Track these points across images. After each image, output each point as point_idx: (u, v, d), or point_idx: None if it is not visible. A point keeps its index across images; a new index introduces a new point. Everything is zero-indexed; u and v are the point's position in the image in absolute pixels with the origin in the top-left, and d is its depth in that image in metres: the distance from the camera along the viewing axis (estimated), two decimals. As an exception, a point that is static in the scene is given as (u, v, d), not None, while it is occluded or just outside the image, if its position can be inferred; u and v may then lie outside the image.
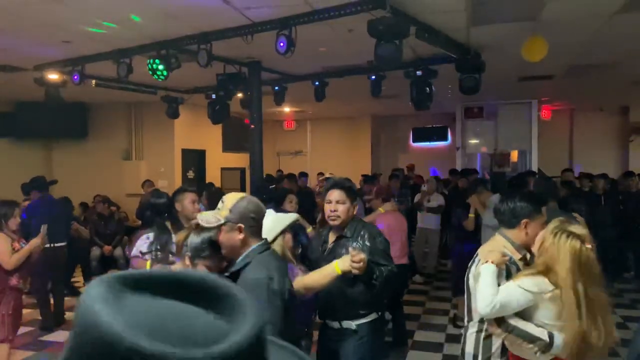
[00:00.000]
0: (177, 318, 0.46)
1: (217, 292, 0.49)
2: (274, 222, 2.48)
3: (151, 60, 5.81)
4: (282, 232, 2.52)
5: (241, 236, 2.12)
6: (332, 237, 2.93)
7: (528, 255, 2.55)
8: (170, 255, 3.28)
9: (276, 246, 2.42)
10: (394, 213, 5.22)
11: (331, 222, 2.88)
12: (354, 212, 2.91)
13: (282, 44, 4.85)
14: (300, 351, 0.60)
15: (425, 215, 7.80)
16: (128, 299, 0.46)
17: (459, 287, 3.66)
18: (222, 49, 5.87)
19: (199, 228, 2.22)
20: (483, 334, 2.53)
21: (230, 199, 2.17)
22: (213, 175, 11.47)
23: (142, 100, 9.42)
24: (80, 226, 7.43)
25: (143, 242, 3.46)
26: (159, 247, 3.37)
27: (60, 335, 5.66)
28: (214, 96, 7.74)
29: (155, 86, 8.23)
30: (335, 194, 2.86)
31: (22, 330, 5.00)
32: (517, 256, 2.50)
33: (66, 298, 6.25)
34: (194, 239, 2.22)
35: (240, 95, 8.00)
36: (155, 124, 10.19)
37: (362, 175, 8.94)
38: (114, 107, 10.28)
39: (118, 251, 8.16)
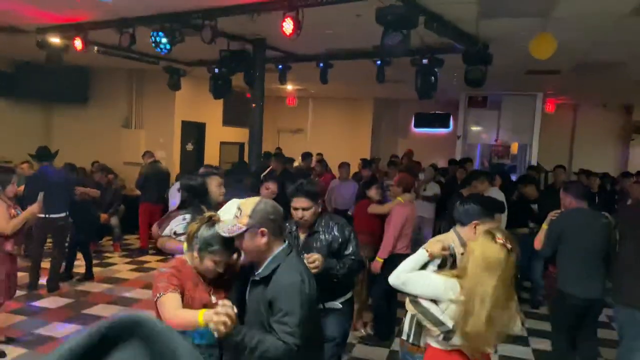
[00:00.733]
0: None
1: None
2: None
3: (155, 33, 5.73)
4: None
5: (265, 239, 2.11)
6: (302, 232, 3.17)
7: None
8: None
9: None
10: (412, 205, 5.13)
11: (301, 225, 3.14)
12: (319, 210, 3.15)
13: (288, 26, 4.79)
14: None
15: (420, 203, 7.81)
16: None
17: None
18: (227, 25, 5.78)
19: (211, 221, 2.20)
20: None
21: (247, 205, 2.13)
22: (212, 149, 11.42)
23: (144, 68, 9.30)
24: (85, 189, 6.94)
25: (179, 223, 3.40)
26: None
27: (52, 302, 5.75)
28: (216, 70, 7.59)
29: (157, 57, 8.11)
30: (300, 202, 3.05)
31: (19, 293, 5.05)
32: (460, 251, 2.67)
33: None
34: (205, 232, 2.20)
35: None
36: (156, 94, 10.08)
37: (361, 159, 8.89)
38: (115, 73, 10.14)
39: (114, 220, 8.19)
